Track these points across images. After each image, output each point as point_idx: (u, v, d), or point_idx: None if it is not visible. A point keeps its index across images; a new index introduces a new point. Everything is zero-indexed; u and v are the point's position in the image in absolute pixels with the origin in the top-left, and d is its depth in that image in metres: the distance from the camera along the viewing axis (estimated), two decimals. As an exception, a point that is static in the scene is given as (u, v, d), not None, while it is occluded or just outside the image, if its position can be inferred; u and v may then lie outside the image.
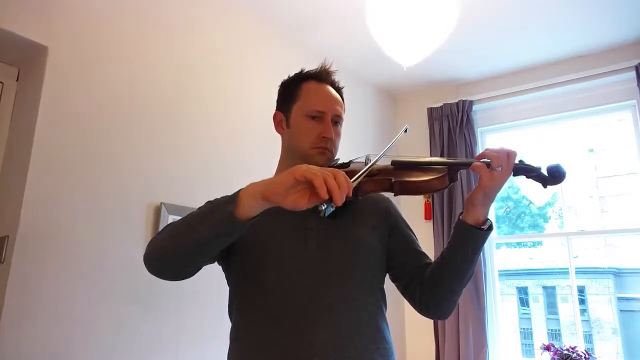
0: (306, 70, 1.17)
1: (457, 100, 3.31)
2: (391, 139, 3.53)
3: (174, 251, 0.89)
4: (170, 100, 2.03)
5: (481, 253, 1.04)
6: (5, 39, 1.58)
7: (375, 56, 2.79)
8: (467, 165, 1.00)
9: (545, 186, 0.99)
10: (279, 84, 1.21)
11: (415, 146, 3.52)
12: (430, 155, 3.34)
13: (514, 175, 0.98)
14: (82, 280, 1.62)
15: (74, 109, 1.69)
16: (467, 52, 2.98)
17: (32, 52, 1.66)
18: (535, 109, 3.17)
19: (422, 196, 3.33)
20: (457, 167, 1.02)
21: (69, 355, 1.55)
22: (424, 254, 1.16)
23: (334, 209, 0.77)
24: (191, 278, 0.99)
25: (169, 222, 0.96)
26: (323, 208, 0.77)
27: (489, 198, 0.99)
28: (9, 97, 1.72)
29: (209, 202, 1.00)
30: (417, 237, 1.20)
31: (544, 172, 0.99)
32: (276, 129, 1.19)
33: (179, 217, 2.18)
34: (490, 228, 1.02)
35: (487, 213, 1.01)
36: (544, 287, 7.61)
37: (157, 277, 0.95)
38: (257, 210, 0.82)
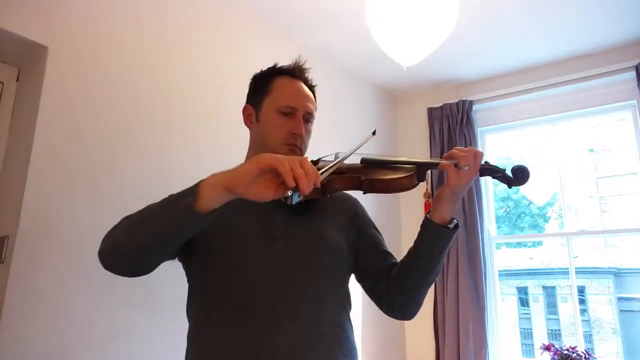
0: (280, 65, 1.16)
1: (457, 100, 3.31)
2: (391, 138, 3.55)
3: (129, 247, 0.85)
4: (170, 100, 2.03)
5: (447, 253, 1.05)
6: (5, 39, 1.58)
7: (375, 56, 2.79)
8: (435, 165, 1.01)
9: (510, 186, 1.02)
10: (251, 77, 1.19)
11: (416, 146, 3.52)
12: (430, 156, 3.34)
13: (480, 175, 1.01)
14: (82, 280, 1.62)
15: (74, 109, 1.69)
16: (467, 52, 2.98)
17: (32, 52, 1.66)
18: (535, 109, 3.17)
19: (423, 196, 3.33)
20: (425, 166, 1.03)
21: (68, 355, 1.55)
22: (390, 254, 1.15)
23: (300, 198, 0.74)
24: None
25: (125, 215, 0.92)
26: (289, 194, 0.72)
27: (456, 196, 1.00)
28: (9, 97, 1.71)
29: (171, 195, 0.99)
30: (383, 237, 1.19)
31: (509, 173, 1.02)
32: (245, 122, 1.18)
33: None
34: (456, 227, 1.03)
35: (453, 212, 1.02)
36: (544, 287, 7.61)
37: (113, 273, 0.91)
38: (219, 202, 0.78)
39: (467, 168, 0.96)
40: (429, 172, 1.09)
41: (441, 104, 3.37)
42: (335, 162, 0.91)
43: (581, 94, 3.00)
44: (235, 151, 2.28)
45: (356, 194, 1.14)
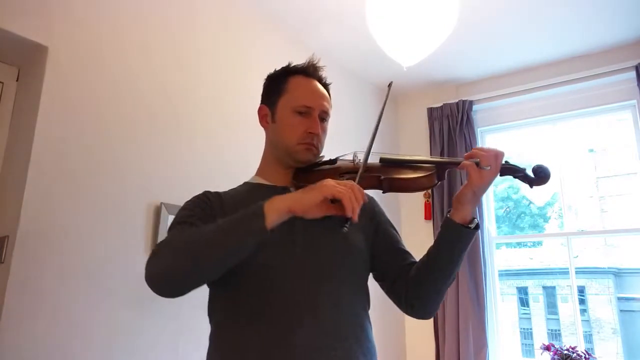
0: (293, 64, 1.16)
1: (457, 100, 3.31)
2: (391, 138, 3.54)
3: (195, 269, 0.90)
4: (171, 99, 2.03)
5: (466, 253, 1.05)
6: (5, 39, 1.58)
7: (375, 56, 2.79)
8: (455, 164, 1.01)
9: (531, 186, 1.02)
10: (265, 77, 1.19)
11: (416, 146, 3.52)
12: (430, 156, 3.34)
13: (500, 174, 1.01)
14: (82, 280, 1.62)
15: (74, 109, 1.69)
16: (467, 52, 2.98)
17: (32, 52, 1.66)
18: (535, 109, 3.17)
19: (423, 196, 3.33)
20: (445, 165, 1.03)
21: (68, 355, 1.55)
22: (408, 253, 1.15)
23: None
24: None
25: (165, 238, 0.99)
26: (347, 226, 0.86)
27: (477, 196, 1.00)
28: (9, 97, 1.71)
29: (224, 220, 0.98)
30: (400, 236, 1.19)
31: (530, 172, 1.01)
32: (260, 122, 1.17)
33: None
34: (477, 227, 1.02)
35: (474, 211, 1.02)
36: (544, 287, 7.61)
37: (162, 295, 0.94)
38: (279, 222, 0.87)
39: (488, 168, 0.96)
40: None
41: (441, 104, 3.37)
42: (360, 167, 0.96)
43: (581, 94, 3.01)
44: (236, 152, 2.29)
45: (373, 193, 1.14)
